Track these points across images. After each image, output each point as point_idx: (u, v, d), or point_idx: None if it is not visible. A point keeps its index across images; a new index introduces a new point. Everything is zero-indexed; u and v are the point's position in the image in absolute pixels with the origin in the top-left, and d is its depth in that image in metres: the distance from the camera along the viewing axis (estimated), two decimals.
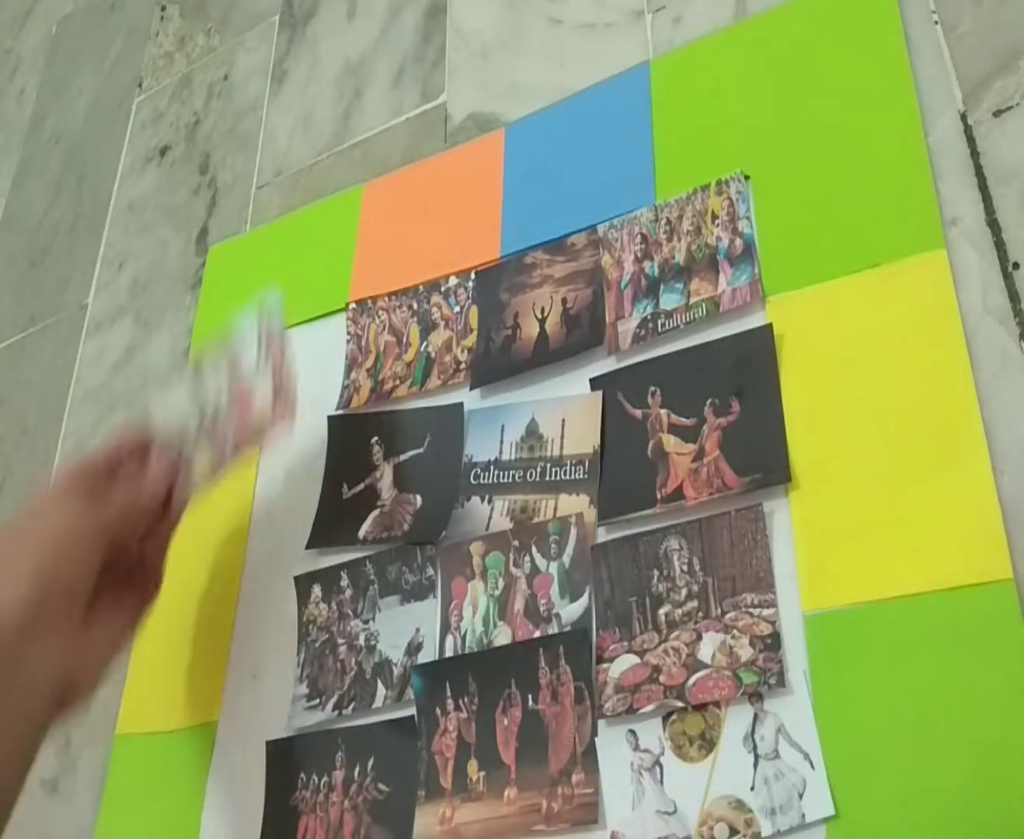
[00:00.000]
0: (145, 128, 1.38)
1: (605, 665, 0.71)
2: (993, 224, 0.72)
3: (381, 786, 0.78)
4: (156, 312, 1.20)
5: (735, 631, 0.68)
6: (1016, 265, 0.70)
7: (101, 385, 1.20)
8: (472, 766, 0.74)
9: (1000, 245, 0.71)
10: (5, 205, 1.49)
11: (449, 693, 0.77)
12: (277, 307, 0.84)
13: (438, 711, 0.77)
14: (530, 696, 0.73)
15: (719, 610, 0.70)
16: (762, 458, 0.72)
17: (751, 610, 0.69)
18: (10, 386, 1.30)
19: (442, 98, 1.08)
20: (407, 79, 1.13)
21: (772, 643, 0.67)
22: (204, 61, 1.37)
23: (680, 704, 0.67)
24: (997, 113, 0.75)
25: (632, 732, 0.69)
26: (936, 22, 0.81)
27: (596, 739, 0.70)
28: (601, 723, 0.71)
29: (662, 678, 0.69)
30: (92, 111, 1.47)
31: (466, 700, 0.76)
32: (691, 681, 0.68)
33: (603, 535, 0.76)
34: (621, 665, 0.71)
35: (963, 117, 0.76)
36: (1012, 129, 0.74)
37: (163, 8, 1.48)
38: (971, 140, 0.75)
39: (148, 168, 1.34)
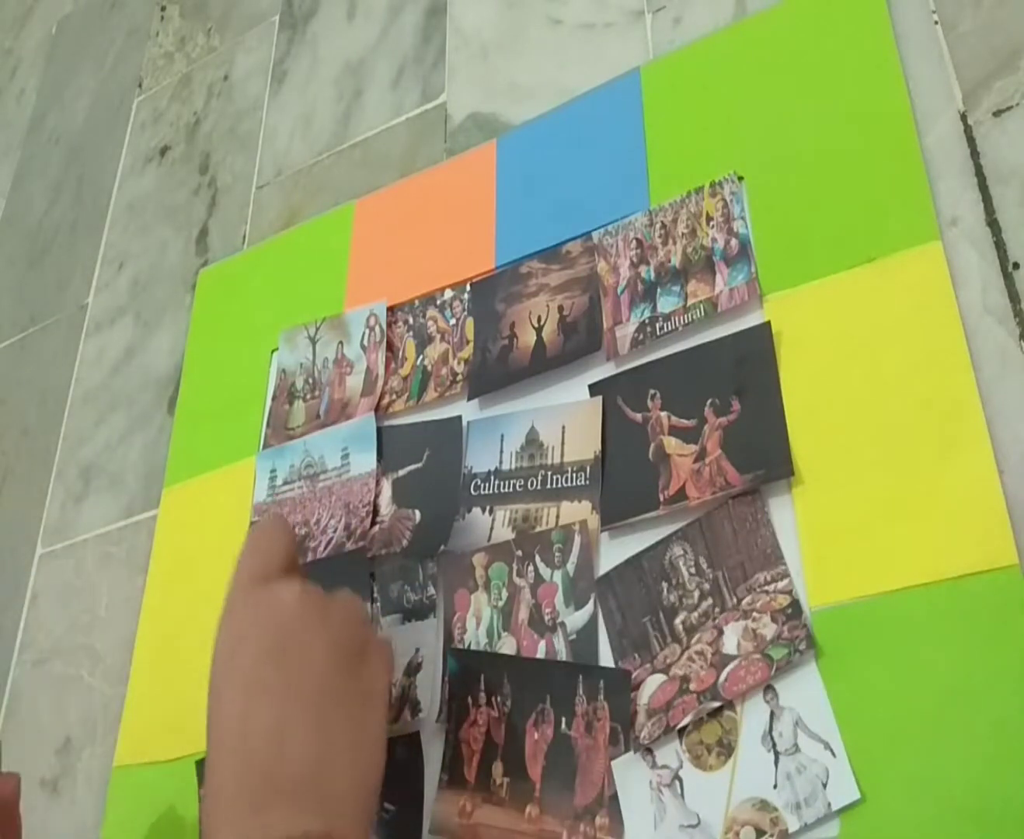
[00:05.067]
0: (145, 128, 1.38)
1: (633, 694, 0.70)
2: (993, 224, 0.72)
3: (387, 805, 0.77)
4: (156, 312, 1.20)
5: (755, 613, 0.68)
6: (1016, 265, 0.70)
7: (101, 385, 1.20)
8: (497, 769, 0.73)
9: (1000, 245, 0.71)
10: (5, 205, 1.49)
11: (483, 686, 0.76)
12: (382, 313, 0.96)
13: (470, 700, 0.76)
14: (563, 719, 0.72)
15: (734, 599, 0.69)
16: (764, 454, 0.72)
17: (766, 588, 0.68)
18: (10, 386, 1.30)
19: (442, 98, 1.08)
20: (407, 79, 1.13)
21: (793, 611, 0.66)
22: (204, 61, 1.37)
23: (716, 704, 0.66)
24: (997, 113, 0.75)
25: (648, 750, 0.68)
26: (936, 22, 0.81)
27: (612, 764, 0.68)
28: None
29: (692, 686, 0.68)
30: (92, 111, 1.47)
31: (499, 699, 0.75)
32: (722, 677, 0.67)
33: (606, 541, 0.76)
34: (649, 688, 0.70)
35: (963, 117, 0.76)
36: (1012, 129, 0.74)
37: (163, 8, 1.48)
38: (971, 140, 0.75)
39: (148, 168, 1.34)
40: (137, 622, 0.99)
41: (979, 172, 0.74)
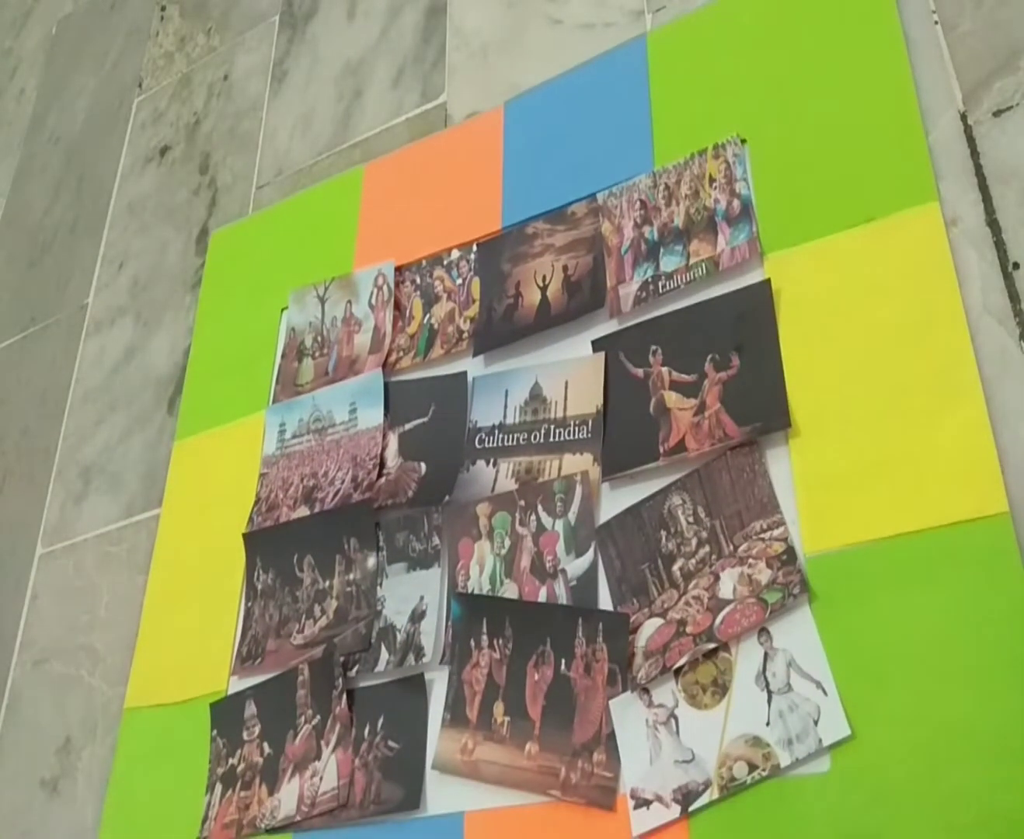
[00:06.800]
0: (145, 128, 1.38)
1: (631, 637, 0.72)
2: (993, 224, 0.72)
3: (391, 743, 0.79)
4: (156, 312, 1.20)
5: (750, 560, 0.70)
6: (1016, 265, 0.70)
7: (101, 385, 1.20)
8: (499, 708, 0.75)
9: (1000, 245, 0.71)
10: (5, 205, 1.49)
11: (485, 629, 0.77)
12: (390, 272, 0.98)
13: (472, 643, 0.77)
14: (563, 660, 0.74)
15: (731, 546, 0.71)
16: (762, 407, 0.73)
17: (762, 536, 0.70)
18: (10, 386, 1.30)
19: (442, 98, 1.08)
20: (407, 79, 1.13)
21: (788, 557, 0.68)
22: (204, 61, 1.37)
23: (712, 645, 0.68)
24: (997, 113, 0.75)
25: (645, 690, 0.70)
26: (936, 22, 0.81)
27: (610, 703, 0.70)
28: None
29: (688, 629, 0.70)
30: (92, 111, 1.47)
31: (501, 642, 0.77)
32: (718, 620, 0.69)
33: (607, 492, 0.77)
34: (647, 631, 0.71)
35: (963, 117, 0.76)
36: (1012, 129, 0.74)
37: (163, 8, 1.48)
38: (971, 140, 0.75)
39: (148, 168, 1.34)
40: (138, 622, 0.99)
41: (979, 172, 0.74)
